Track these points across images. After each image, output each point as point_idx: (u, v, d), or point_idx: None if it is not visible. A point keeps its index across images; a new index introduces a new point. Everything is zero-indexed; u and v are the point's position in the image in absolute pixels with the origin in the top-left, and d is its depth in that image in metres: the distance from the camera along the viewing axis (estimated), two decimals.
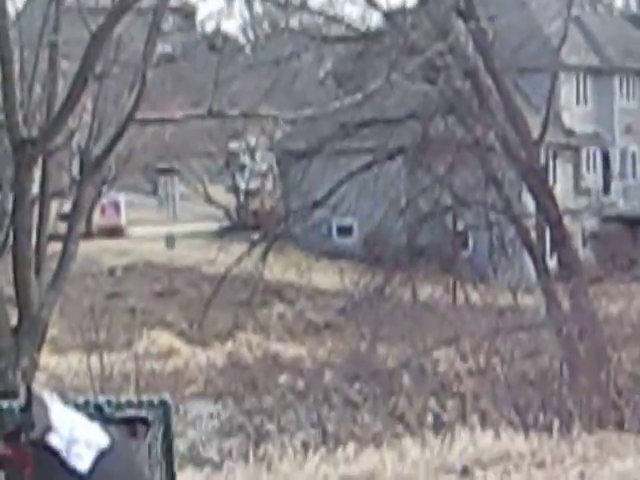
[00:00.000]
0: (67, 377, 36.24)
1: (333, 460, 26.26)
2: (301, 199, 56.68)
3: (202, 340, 52.51)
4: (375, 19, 54.68)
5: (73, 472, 5.33)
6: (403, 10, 48.72)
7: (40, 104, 14.99)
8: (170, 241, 65.96)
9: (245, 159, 77.07)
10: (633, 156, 77.29)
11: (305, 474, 24.51)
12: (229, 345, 50.83)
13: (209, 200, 75.64)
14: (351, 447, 28.03)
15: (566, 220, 50.62)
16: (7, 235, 14.05)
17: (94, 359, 36.01)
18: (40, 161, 14.43)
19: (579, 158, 72.72)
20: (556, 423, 29.55)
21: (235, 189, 78.81)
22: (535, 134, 51.27)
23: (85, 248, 32.15)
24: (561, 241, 47.46)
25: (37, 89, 14.92)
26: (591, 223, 67.84)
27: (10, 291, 13.24)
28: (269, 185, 72.62)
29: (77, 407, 5.88)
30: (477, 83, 48.33)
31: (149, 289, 59.46)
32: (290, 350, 49.44)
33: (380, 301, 48.19)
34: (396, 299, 48.73)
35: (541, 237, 48.82)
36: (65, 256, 13.56)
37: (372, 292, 49.20)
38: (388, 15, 49.84)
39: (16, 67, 14.27)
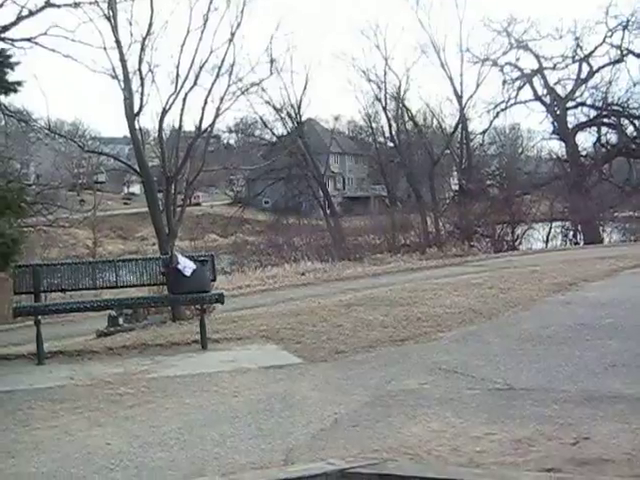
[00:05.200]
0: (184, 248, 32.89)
1: None
2: None
3: None
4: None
5: (184, 276, 9.07)
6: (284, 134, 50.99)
7: (172, 167, 13.71)
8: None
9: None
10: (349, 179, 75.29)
11: None
12: None
13: None
14: None
15: None
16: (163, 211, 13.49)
17: (190, 243, 39.81)
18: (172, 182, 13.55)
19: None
20: (329, 259, 33.80)
21: None
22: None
23: (188, 210, 27.59)
24: None
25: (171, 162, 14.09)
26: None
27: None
28: None
29: (185, 256, 9.44)
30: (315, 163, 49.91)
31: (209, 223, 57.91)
32: None
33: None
34: None
35: None
36: (182, 212, 13.87)
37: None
38: (278, 137, 51.93)
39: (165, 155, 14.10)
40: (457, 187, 50.63)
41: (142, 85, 13.37)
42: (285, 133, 50.42)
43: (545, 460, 4.56)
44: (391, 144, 51.68)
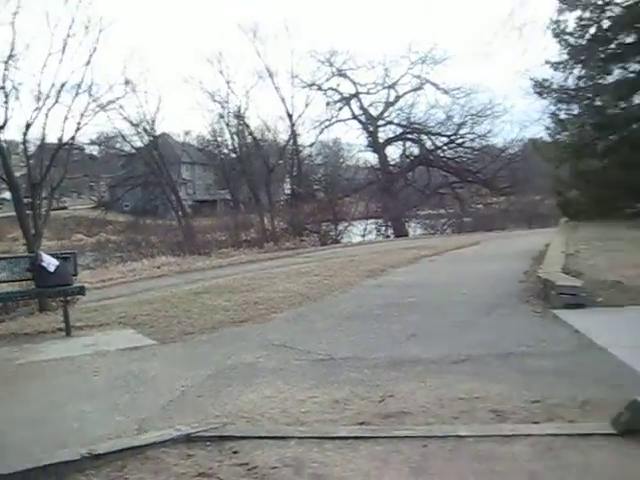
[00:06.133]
0: (52, 247, 32.71)
1: None
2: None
3: None
4: None
5: (48, 272, 8.91)
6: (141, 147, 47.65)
7: (37, 175, 12.79)
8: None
9: None
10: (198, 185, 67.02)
11: None
12: None
13: None
14: None
15: None
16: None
17: (57, 242, 39.01)
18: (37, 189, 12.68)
19: None
20: (181, 254, 29.83)
21: None
22: None
23: (56, 213, 32.98)
24: None
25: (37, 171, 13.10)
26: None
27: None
28: None
29: (50, 254, 9.24)
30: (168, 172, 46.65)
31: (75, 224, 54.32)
32: None
33: None
34: None
35: None
36: (47, 215, 13.32)
37: None
38: (136, 149, 48.12)
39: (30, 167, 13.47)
40: (290, 191, 51.31)
41: (7, 101, 12.55)
42: (142, 145, 48.96)
43: (358, 416, 4.66)
44: (234, 155, 51.62)
